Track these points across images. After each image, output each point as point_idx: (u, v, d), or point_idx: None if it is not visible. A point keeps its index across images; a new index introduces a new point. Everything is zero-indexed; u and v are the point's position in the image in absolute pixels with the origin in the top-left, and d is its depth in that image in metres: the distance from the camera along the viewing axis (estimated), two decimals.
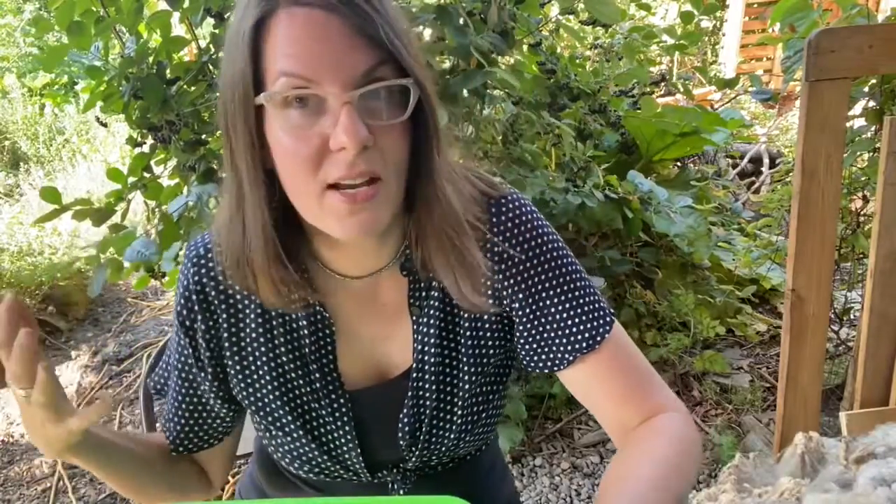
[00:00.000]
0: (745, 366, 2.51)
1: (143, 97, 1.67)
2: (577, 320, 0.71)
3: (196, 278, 0.73)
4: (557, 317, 0.72)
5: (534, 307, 0.72)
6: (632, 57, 2.33)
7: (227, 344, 0.74)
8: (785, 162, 3.58)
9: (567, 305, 0.72)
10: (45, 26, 1.91)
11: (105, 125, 2.37)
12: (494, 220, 0.72)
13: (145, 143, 1.84)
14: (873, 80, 1.60)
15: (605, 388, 0.72)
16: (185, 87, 1.78)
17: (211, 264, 0.72)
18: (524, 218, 0.73)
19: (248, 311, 0.73)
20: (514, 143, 2.08)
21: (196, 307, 0.73)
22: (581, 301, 0.72)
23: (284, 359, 0.73)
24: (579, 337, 0.71)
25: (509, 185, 0.77)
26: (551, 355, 0.73)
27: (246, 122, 0.60)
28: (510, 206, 0.73)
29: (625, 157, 2.88)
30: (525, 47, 2.01)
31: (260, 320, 0.73)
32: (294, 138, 0.58)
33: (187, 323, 0.74)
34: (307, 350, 0.73)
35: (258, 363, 0.74)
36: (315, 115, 0.57)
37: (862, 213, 2.04)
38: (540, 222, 0.74)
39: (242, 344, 0.74)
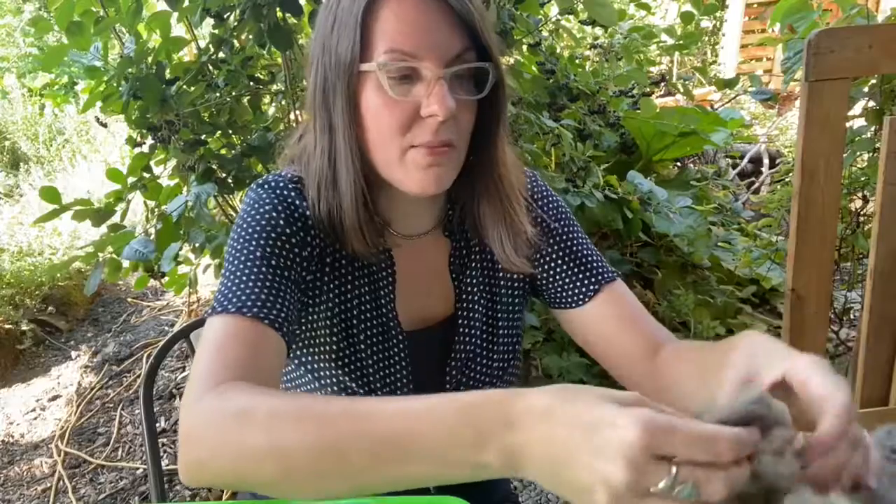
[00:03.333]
0: None
1: (141, 97, 1.67)
2: (596, 257, 0.87)
3: (297, 202, 0.77)
4: (579, 259, 0.86)
5: (565, 248, 0.87)
6: (630, 58, 2.34)
7: (328, 269, 0.79)
8: (785, 162, 3.57)
9: (585, 248, 0.88)
10: (45, 26, 1.91)
11: (105, 125, 2.38)
12: (531, 187, 0.88)
13: (145, 143, 1.84)
14: (873, 80, 1.60)
15: (631, 310, 0.84)
16: (184, 87, 1.78)
17: (314, 199, 0.76)
18: (545, 187, 0.90)
19: (337, 245, 0.79)
20: (514, 143, 2.08)
21: (291, 225, 0.75)
22: (592, 248, 0.88)
23: (363, 290, 0.82)
24: (601, 270, 0.86)
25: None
26: (579, 286, 0.86)
27: (348, 87, 0.70)
28: (536, 178, 0.90)
29: (625, 157, 2.88)
30: (525, 47, 2.01)
31: (349, 256, 0.80)
32: (391, 103, 0.68)
33: (283, 237, 0.74)
34: (379, 284, 0.82)
35: (347, 286, 0.80)
36: (411, 85, 0.68)
37: (862, 213, 2.04)
38: (552, 192, 0.92)
39: (337, 273, 0.80)
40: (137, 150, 1.86)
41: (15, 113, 5.92)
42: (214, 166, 1.80)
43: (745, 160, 4.19)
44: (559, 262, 0.87)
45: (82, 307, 3.62)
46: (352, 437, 0.50)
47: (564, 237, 0.88)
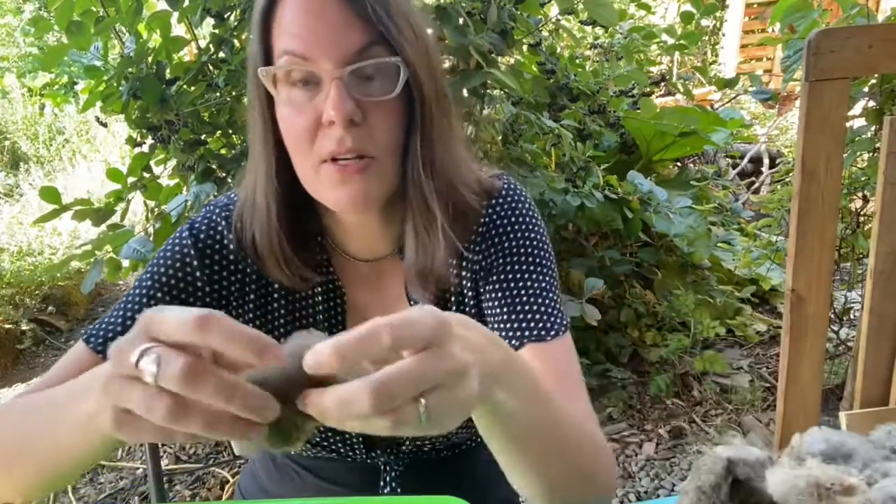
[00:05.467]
0: (745, 366, 2.51)
1: (141, 97, 1.67)
2: (535, 309, 0.72)
3: (225, 231, 0.73)
4: (514, 306, 0.72)
5: (502, 289, 0.73)
6: (630, 58, 2.34)
7: (251, 305, 0.74)
8: (785, 162, 3.57)
9: (527, 293, 0.73)
10: (45, 26, 1.91)
11: (105, 125, 2.38)
12: (493, 204, 0.76)
13: (145, 143, 1.84)
14: (873, 80, 1.60)
15: (552, 378, 0.69)
16: (184, 87, 1.78)
17: (239, 224, 0.73)
18: (521, 209, 0.76)
19: (272, 278, 0.75)
20: (514, 143, 2.08)
21: (206, 258, 0.73)
22: (546, 297, 0.73)
23: (303, 324, 0.75)
24: (532, 325, 0.71)
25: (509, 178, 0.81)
26: (503, 335, 0.72)
27: (259, 97, 0.65)
28: (510, 194, 0.77)
29: (625, 157, 2.89)
30: (525, 47, 2.01)
31: (283, 288, 0.75)
32: (293, 112, 0.63)
33: (187, 270, 0.72)
34: (320, 317, 0.75)
35: (281, 321, 0.75)
36: (312, 91, 0.62)
37: (862, 213, 2.04)
38: (532, 215, 0.77)
39: (269, 308, 0.75)
40: (137, 150, 1.86)
41: (15, 113, 5.92)
42: (214, 166, 1.80)
43: (745, 160, 4.19)
44: (494, 301, 0.74)
45: (82, 307, 3.62)
46: (34, 407, 0.57)
47: (509, 276, 0.73)
